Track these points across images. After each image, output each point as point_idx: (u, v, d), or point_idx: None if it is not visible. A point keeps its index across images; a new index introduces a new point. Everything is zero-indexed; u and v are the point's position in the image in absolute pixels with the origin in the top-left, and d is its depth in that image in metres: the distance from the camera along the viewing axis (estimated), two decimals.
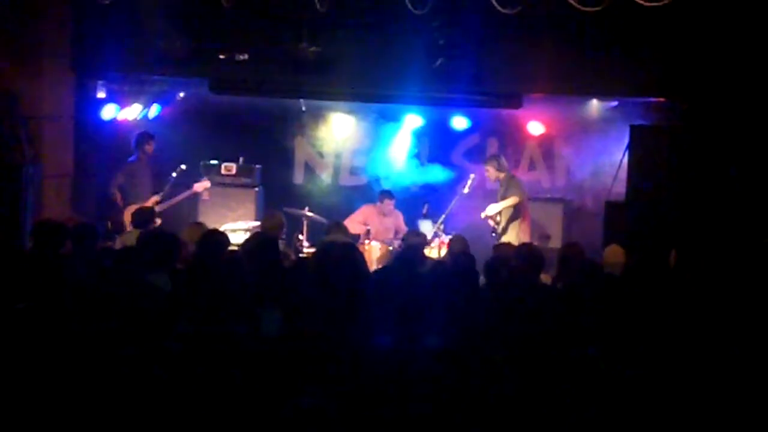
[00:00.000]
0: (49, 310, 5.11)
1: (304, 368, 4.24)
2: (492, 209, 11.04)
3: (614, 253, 8.01)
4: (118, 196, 11.04)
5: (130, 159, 11.27)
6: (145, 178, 11.27)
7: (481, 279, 7.17)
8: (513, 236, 10.79)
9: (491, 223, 11.10)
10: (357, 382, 4.28)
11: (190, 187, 11.45)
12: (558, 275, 7.56)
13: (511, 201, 11.04)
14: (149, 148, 11.32)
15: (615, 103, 11.55)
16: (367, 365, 4.46)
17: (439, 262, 8.50)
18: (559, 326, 5.22)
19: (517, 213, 11.10)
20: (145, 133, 11.43)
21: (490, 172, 11.37)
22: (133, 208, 10.35)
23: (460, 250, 8.37)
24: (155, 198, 11.01)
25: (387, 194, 11.84)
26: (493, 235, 11.02)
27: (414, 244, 8.44)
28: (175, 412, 4.26)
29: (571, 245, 8.21)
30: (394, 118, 12.74)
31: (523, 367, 4.63)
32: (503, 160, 11.48)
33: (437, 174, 12.78)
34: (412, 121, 12.65)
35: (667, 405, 4.47)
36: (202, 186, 11.49)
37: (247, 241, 6.85)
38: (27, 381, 4.41)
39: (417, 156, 12.87)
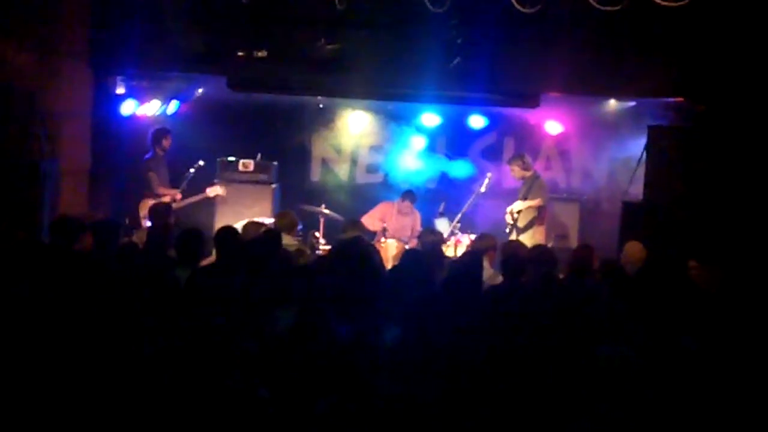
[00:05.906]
0: (67, 304, 5.12)
1: (320, 366, 4.24)
2: (517, 206, 11.09)
3: (634, 250, 7.94)
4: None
5: (147, 156, 11.30)
6: (161, 175, 11.30)
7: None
8: (529, 237, 10.81)
9: (508, 219, 11.12)
10: (370, 377, 4.29)
11: (208, 183, 11.50)
12: (569, 275, 7.54)
13: (535, 203, 11.11)
14: (166, 143, 11.35)
15: (632, 104, 11.52)
16: (380, 361, 4.47)
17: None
18: (571, 325, 5.20)
19: (537, 214, 11.13)
20: (161, 128, 11.44)
21: (515, 171, 11.41)
22: (149, 202, 10.40)
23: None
24: (177, 193, 11.09)
25: (409, 195, 11.78)
26: (507, 231, 11.04)
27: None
28: (189, 409, 4.28)
29: (584, 247, 8.15)
30: (411, 116, 12.75)
31: (526, 367, 4.63)
32: (528, 159, 11.54)
33: (454, 172, 12.78)
34: (429, 119, 12.65)
35: (681, 404, 4.47)
36: (214, 191, 11.47)
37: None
38: (41, 373, 4.44)
39: (433, 154, 12.88)
